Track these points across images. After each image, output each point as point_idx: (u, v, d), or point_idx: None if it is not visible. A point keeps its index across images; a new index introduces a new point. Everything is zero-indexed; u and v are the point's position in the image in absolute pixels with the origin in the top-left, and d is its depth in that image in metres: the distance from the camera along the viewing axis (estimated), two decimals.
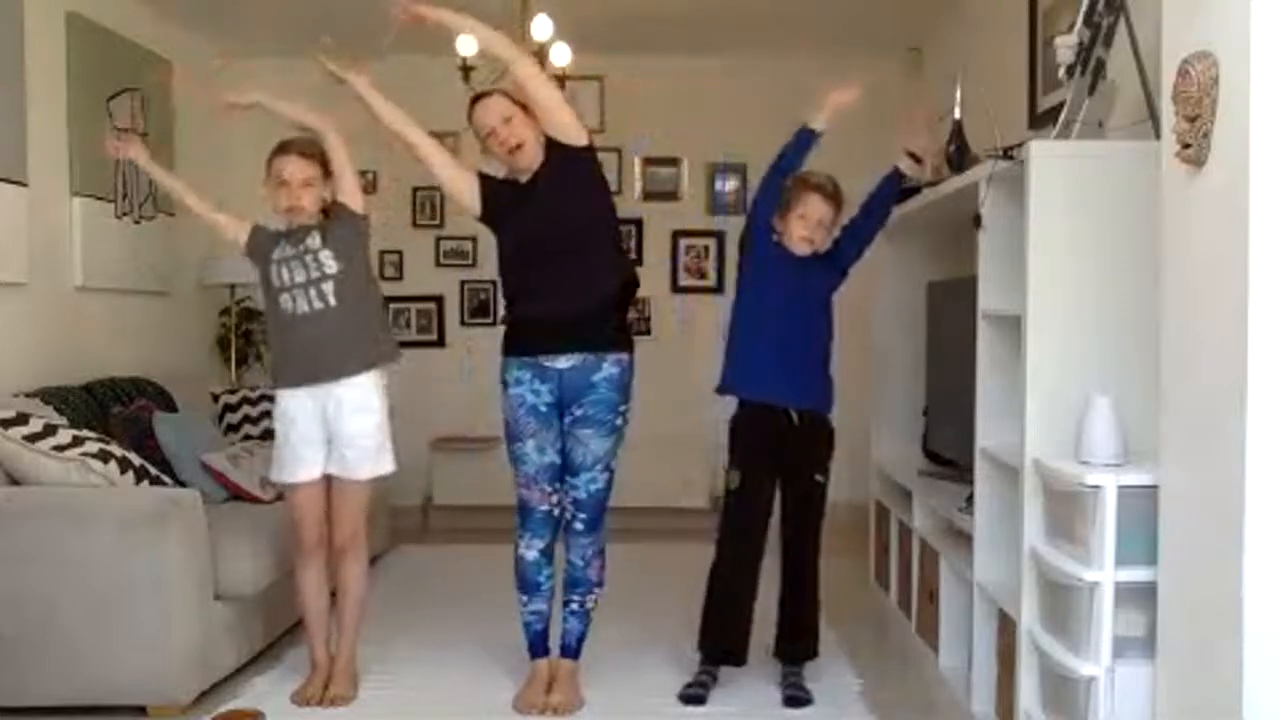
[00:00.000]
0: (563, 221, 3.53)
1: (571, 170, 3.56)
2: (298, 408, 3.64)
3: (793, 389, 3.71)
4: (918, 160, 3.82)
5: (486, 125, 3.53)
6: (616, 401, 3.59)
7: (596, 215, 3.63)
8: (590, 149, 3.60)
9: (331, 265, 3.61)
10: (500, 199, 3.61)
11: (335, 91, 3.60)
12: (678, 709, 3.66)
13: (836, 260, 3.80)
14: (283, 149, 3.63)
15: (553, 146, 3.55)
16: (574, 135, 3.55)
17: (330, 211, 3.67)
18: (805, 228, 3.68)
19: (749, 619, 3.76)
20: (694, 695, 3.70)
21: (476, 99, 3.60)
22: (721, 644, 3.77)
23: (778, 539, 3.77)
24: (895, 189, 3.88)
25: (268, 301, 3.72)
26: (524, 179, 3.58)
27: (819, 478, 3.76)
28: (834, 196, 3.71)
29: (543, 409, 3.58)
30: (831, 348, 3.80)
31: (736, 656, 3.77)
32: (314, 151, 3.63)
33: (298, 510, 3.72)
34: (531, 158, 3.54)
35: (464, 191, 3.63)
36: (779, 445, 3.71)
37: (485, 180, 3.63)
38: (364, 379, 3.66)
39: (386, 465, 3.75)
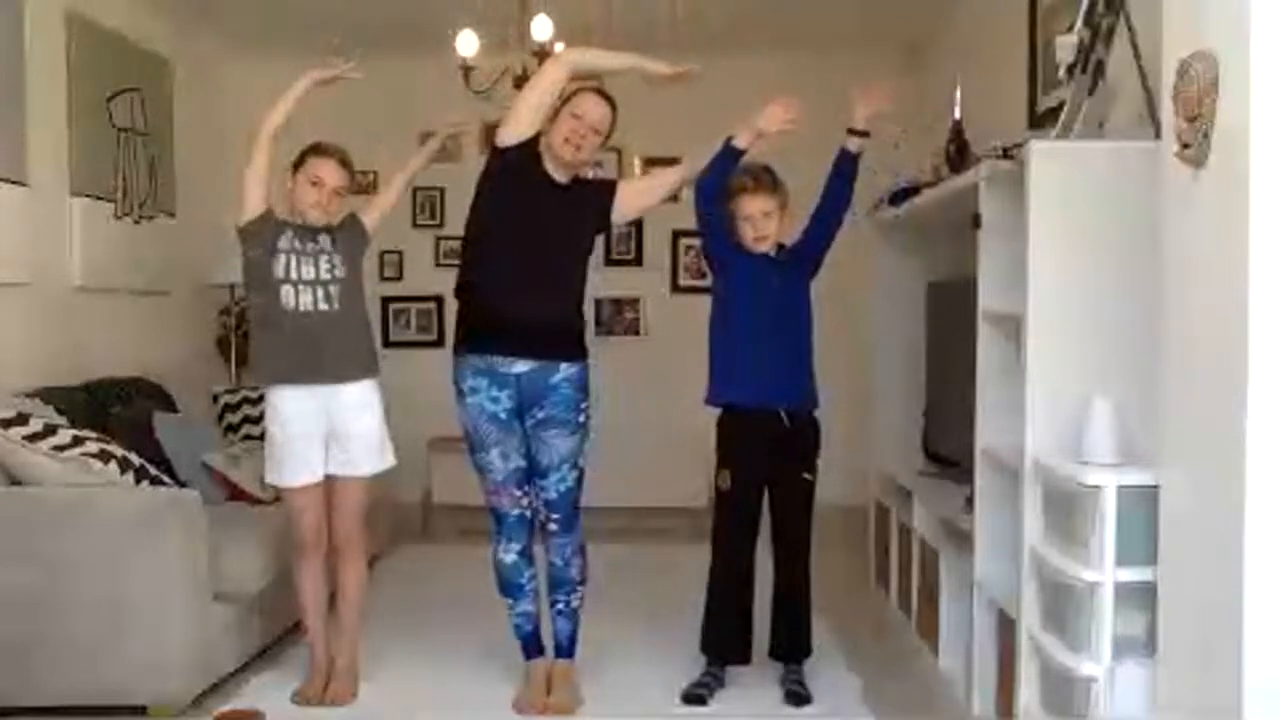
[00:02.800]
0: (562, 234, 3.56)
1: (595, 213, 3.65)
2: (297, 409, 3.62)
3: (781, 390, 3.71)
4: (863, 134, 3.73)
5: (581, 113, 3.54)
6: (579, 399, 3.59)
7: (585, 248, 3.68)
8: (609, 227, 3.75)
9: (341, 270, 3.63)
10: (526, 162, 3.56)
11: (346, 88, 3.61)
12: (678, 709, 3.66)
13: (806, 250, 3.78)
14: (321, 151, 3.64)
15: (603, 191, 3.66)
16: (624, 220, 3.75)
17: (340, 220, 3.69)
18: (752, 228, 3.70)
19: (749, 617, 3.78)
20: (696, 695, 3.70)
21: (593, 91, 3.63)
22: (723, 643, 3.78)
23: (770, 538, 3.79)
24: (849, 170, 3.76)
25: (262, 290, 3.62)
26: (557, 175, 3.58)
27: (807, 476, 3.77)
28: (762, 185, 3.70)
29: (503, 415, 3.56)
30: (812, 340, 3.78)
31: (740, 655, 3.78)
32: (349, 164, 3.66)
33: (297, 512, 3.71)
34: (572, 160, 3.56)
35: (531, 120, 3.55)
36: (770, 447, 3.71)
37: (538, 140, 3.58)
38: (368, 383, 3.69)
39: (389, 459, 3.76)
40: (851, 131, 3.73)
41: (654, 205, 3.81)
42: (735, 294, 3.76)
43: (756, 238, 3.70)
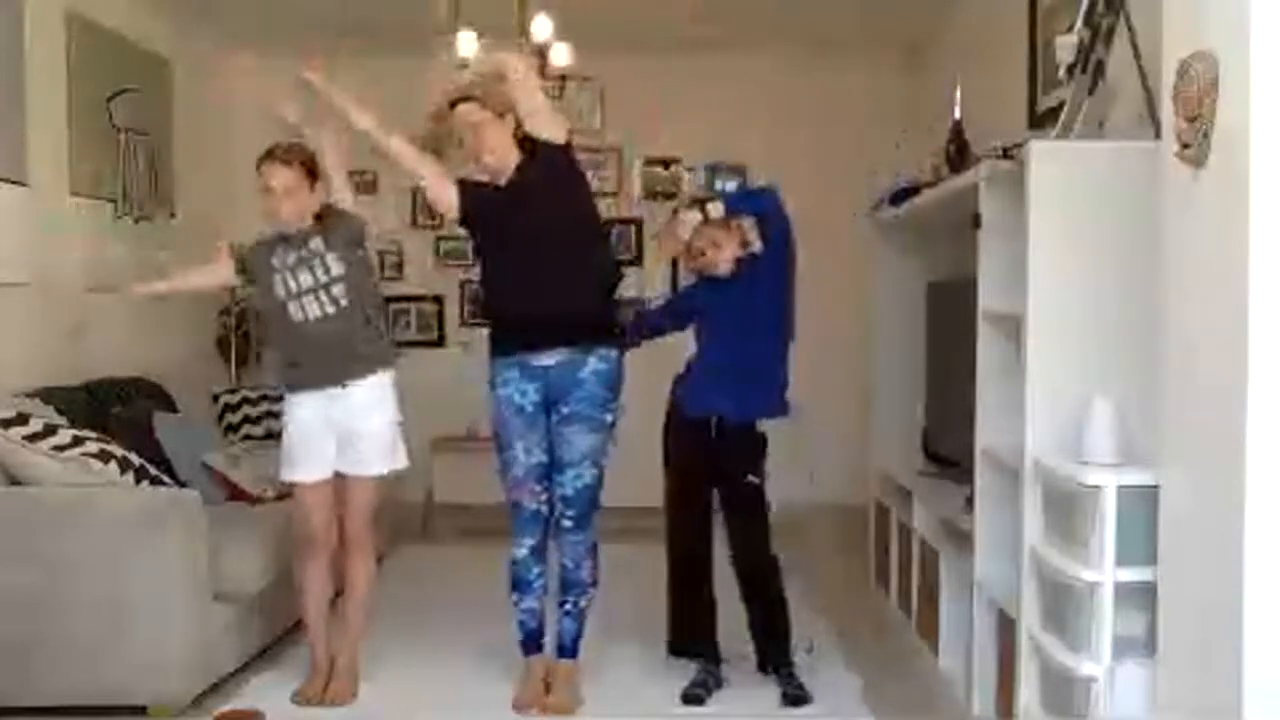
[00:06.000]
0: (542, 219, 3.54)
1: (550, 168, 3.56)
2: (306, 413, 3.66)
3: (720, 400, 3.71)
4: (702, 207, 3.66)
5: (465, 126, 3.55)
6: (606, 398, 3.60)
7: (576, 212, 3.64)
8: (568, 147, 3.59)
9: (338, 268, 3.63)
10: (479, 202, 3.62)
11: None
12: (677, 709, 3.66)
13: (764, 264, 3.70)
14: (267, 156, 3.63)
15: (533, 145, 3.56)
16: (554, 135, 3.55)
17: (325, 215, 3.68)
18: (708, 257, 3.70)
19: (709, 614, 3.81)
20: (694, 695, 3.70)
21: (452, 105, 3.60)
22: (685, 640, 3.82)
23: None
24: (742, 208, 3.71)
25: (272, 310, 3.71)
26: (503, 180, 3.59)
27: (752, 478, 3.75)
28: (702, 212, 3.68)
29: (529, 409, 3.59)
30: (784, 349, 3.76)
31: (705, 652, 3.80)
32: (293, 158, 3.62)
33: (306, 509, 3.72)
34: (501, 160, 3.55)
35: (441, 197, 3.65)
36: (704, 451, 3.73)
37: (463, 185, 3.64)
38: (375, 379, 3.69)
39: (401, 460, 3.78)
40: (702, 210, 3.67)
41: (542, 106, 3.55)
42: (702, 316, 3.82)
43: (711, 264, 3.72)
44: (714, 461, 3.74)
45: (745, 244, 3.72)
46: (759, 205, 3.73)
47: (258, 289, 3.76)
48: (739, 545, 3.77)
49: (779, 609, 3.80)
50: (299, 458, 3.69)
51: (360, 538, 3.76)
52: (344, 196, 3.76)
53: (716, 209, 3.64)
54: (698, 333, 3.84)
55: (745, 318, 3.71)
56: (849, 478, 5.24)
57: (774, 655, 3.79)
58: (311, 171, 3.64)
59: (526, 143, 3.56)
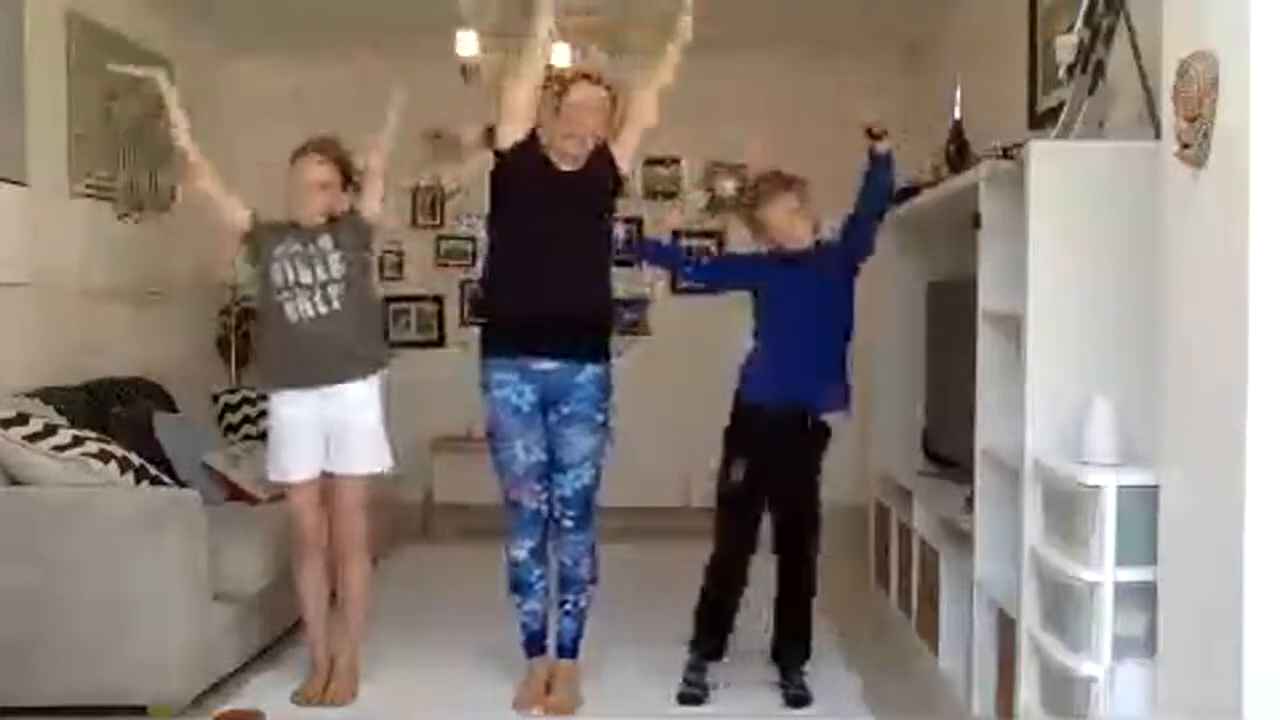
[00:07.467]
0: (576, 220, 3.57)
1: (604, 185, 3.62)
2: (296, 411, 3.65)
3: (794, 389, 3.69)
4: (877, 136, 3.63)
5: (574, 102, 3.54)
6: (600, 399, 3.62)
7: (603, 234, 3.68)
8: (622, 182, 3.67)
9: (339, 269, 3.62)
10: (532, 166, 3.57)
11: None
12: (677, 709, 3.66)
13: (844, 252, 3.75)
14: (302, 150, 3.64)
15: (601, 157, 3.60)
16: (630, 158, 3.66)
17: (335, 214, 3.67)
18: (781, 233, 3.69)
19: (733, 613, 3.79)
20: (691, 695, 3.70)
21: (579, 76, 3.64)
22: (714, 638, 3.79)
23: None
24: (884, 172, 3.68)
25: (265, 300, 3.70)
26: (563, 165, 3.57)
27: (816, 475, 3.76)
28: (779, 187, 3.69)
29: (526, 409, 3.59)
30: (847, 341, 3.77)
31: (702, 644, 3.79)
32: (329, 155, 3.63)
33: (297, 510, 3.72)
34: (576, 152, 3.55)
35: (517, 118, 3.57)
36: (777, 444, 3.70)
37: (535, 139, 3.59)
38: (373, 378, 3.70)
39: (386, 460, 3.76)
40: (869, 135, 3.64)
41: (638, 139, 3.71)
42: (775, 301, 3.75)
43: (794, 238, 3.69)
44: (783, 455, 3.70)
45: (816, 228, 3.73)
46: (886, 176, 3.69)
47: (256, 271, 3.70)
48: (788, 538, 3.75)
49: (804, 609, 3.78)
50: (287, 458, 3.68)
51: (352, 539, 3.75)
52: (372, 206, 3.70)
53: (886, 145, 3.62)
54: (760, 315, 3.78)
55: (819, 303, 3.69)
56: (849, 478, 5.23)
57: (788, 660, 3.78)
58: (344, 170, 3.65)
59: (600, 152, 3.60)
